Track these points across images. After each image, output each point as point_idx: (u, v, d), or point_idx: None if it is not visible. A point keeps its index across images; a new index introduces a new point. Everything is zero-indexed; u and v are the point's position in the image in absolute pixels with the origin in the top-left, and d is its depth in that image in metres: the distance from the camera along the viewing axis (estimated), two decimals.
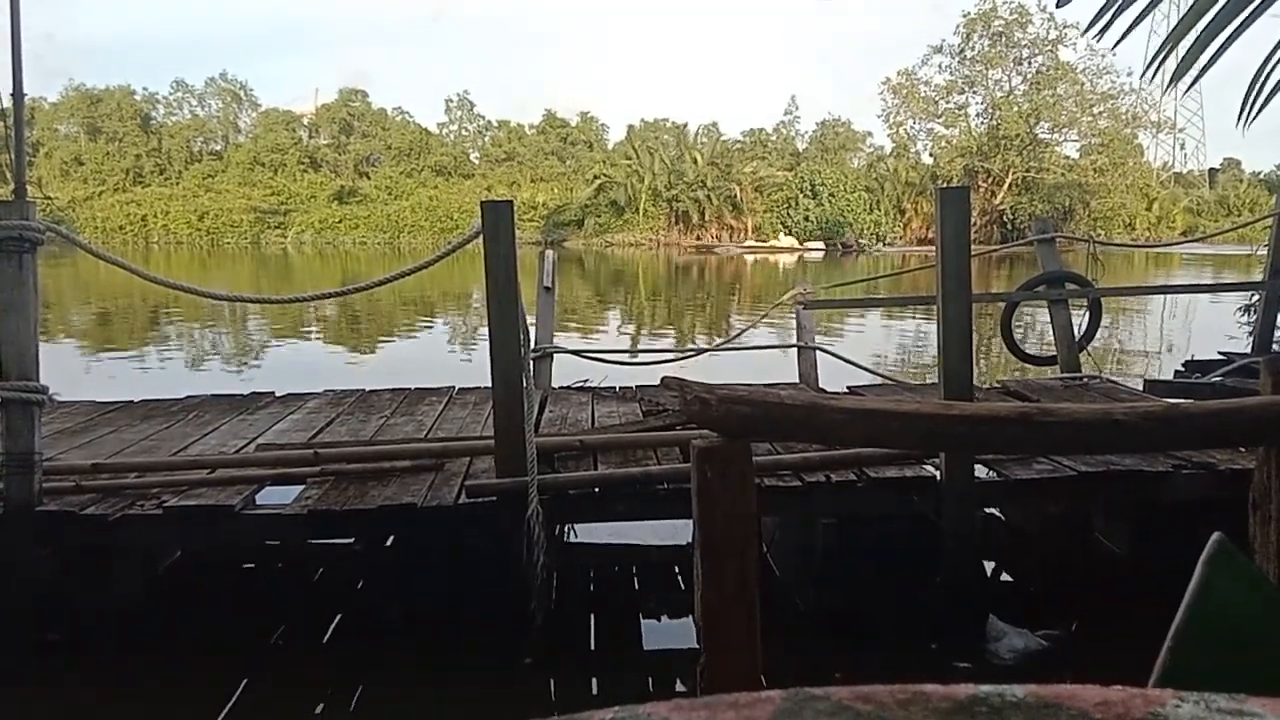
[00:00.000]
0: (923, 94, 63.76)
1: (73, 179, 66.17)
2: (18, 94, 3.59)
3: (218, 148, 72.11)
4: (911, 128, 65.65)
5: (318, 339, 15.91)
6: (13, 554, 3.64)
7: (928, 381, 6.99)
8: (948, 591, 3.97)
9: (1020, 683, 0.50)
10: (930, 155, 65.19)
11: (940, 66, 62.58)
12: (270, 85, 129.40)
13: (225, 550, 4.71)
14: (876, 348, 14.17)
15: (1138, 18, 1.84)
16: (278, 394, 5.92)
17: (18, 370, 3.58)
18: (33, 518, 3.61)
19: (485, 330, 3.94)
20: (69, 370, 11.57)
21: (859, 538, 4.00)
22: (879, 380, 6.87)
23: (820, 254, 48.59)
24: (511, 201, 3.87)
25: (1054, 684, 0.50)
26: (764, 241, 53.82)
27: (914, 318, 16.37)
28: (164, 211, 59.00)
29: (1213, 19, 1.69)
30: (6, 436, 3.63)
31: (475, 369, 4.77)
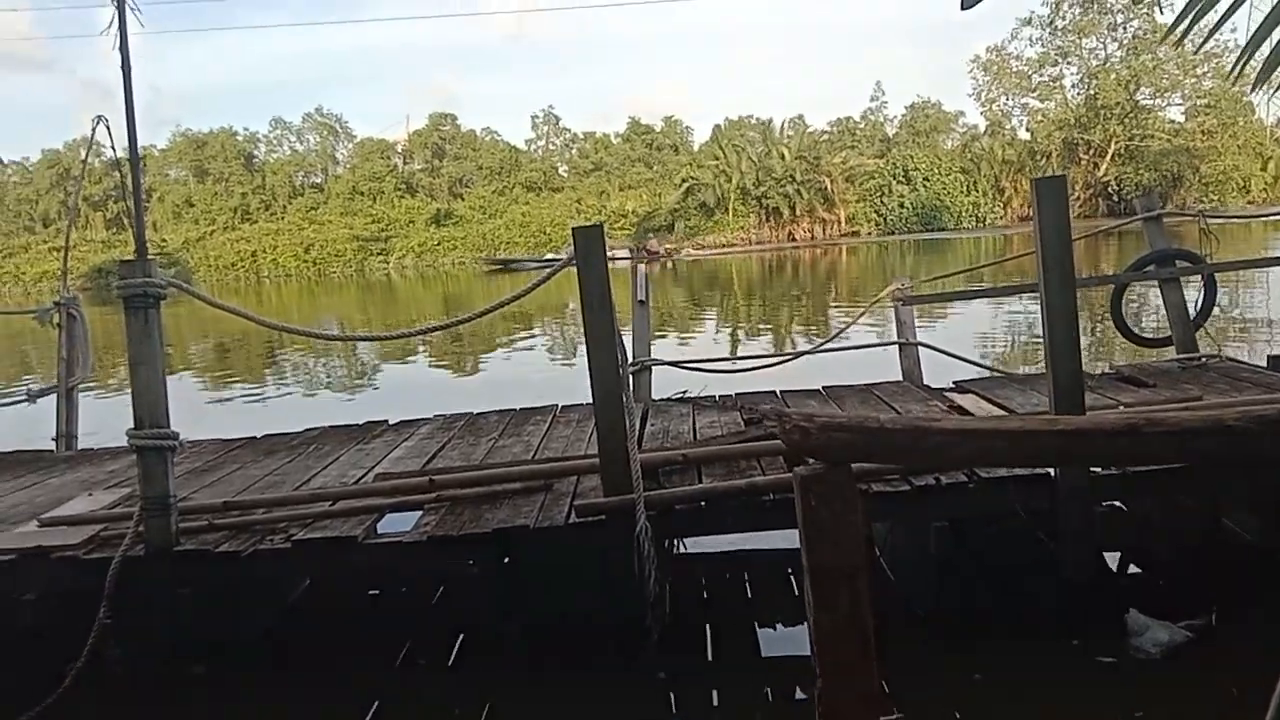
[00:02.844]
0: (1014, 69, 62.16)
1: (185, 220, 69.41)
2: (134, 160, 3.82)
3: (318, 180, 74.71)
4: (1005, 104, 64.06)
5: (424, 360, 16.32)
6: (155, 592, 3.86)
7: (1037, 369, 6.82)
8: (1072, 588, 3.87)
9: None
10: (1027, 130, 63.44)
11: (1030, 39, 60.89)
12: (363, 116, 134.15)
13: (350, 579, 4.89)
14: (982, 331, 13.86)
15: (1219, 20, 1.78)
16: (391, 422, 6.12)
17: (150, 419, 3.79)
18: (172, 558, 3.82)
19: (583, 343, 4.01)
20: (194, 405, 12.16)
21: (974, 539, 3.93)
22: (985, 373, 6.71)
23: (625, 262, 46.81)
24: (601, 226, 3.93)
25: None
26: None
27: (1020, 300, 15.94)
28: (272, 246, 61.28)
29: None
30: (143, 481, 3.84)
31: (576, 379, 4.87)
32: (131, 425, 3.82)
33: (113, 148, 4.98)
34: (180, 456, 5.06)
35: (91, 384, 12.06)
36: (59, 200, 71.64)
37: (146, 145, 66.25)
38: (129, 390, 3.85)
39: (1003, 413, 4.89)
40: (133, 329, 3.79)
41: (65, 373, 6.47)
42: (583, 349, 4.06)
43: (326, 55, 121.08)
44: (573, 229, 3.90)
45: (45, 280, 57.11)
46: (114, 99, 3.87)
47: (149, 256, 3.87)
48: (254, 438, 6.03)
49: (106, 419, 9.01)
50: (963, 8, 2.18)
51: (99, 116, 4.81)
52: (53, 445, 6.34)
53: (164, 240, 61.45)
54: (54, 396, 6.51)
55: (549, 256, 51.26)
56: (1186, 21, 1.78)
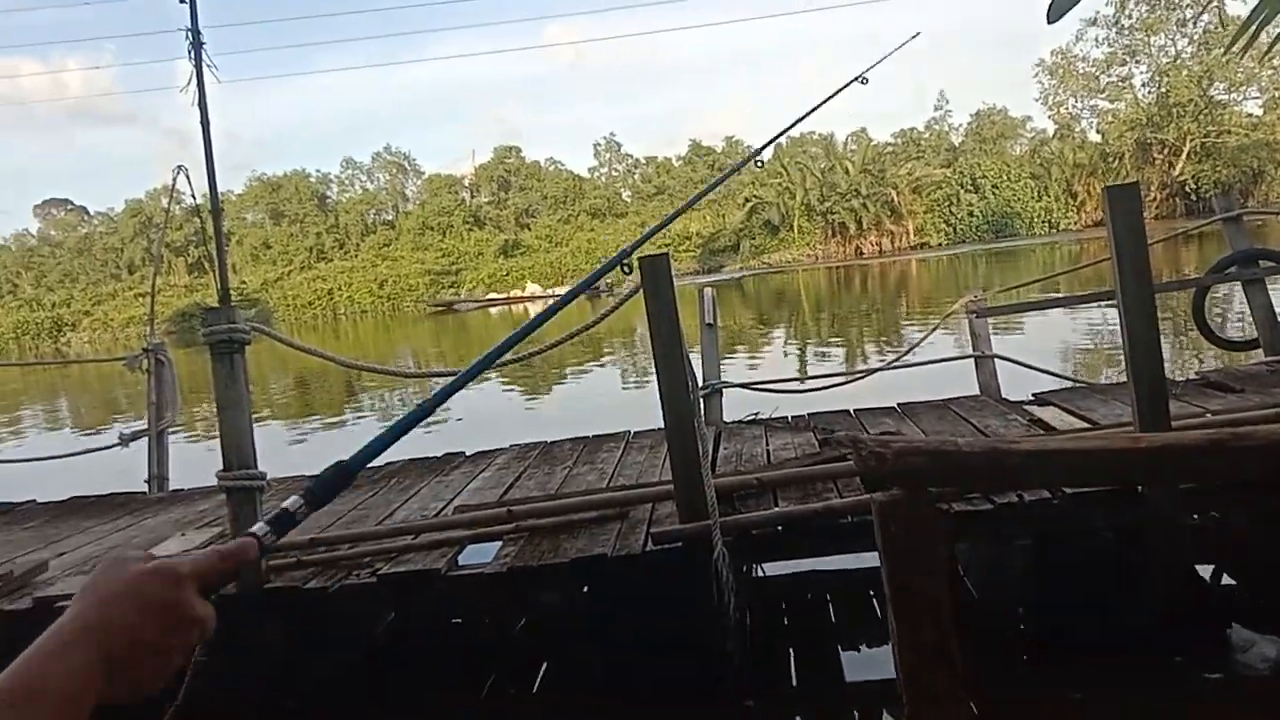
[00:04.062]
0: (1081, 71, 60.99)
1: (262, 262, 71.59)
2: (215, 211, 3.96)
3: (389, 217, 76.53)
4: (1073, 106, 62.87)
5: (497, 387, 16.52)
6: (247, 629, 3.95)
7: (1121, 377, 6.64)
8: (1166, 604, 3.75)
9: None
10: (1097, 132, 62.08)
11: (1096, 40, 59.74)
12: (430, 153, 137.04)
13: (434, 611, 4.96)
14: (1061, 340, 13.55)
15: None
16: (468, 453, 6.21)
17: (238, 460, 3.91)
18: (263, 595, 3.92)
19: (651, 364, 4.03)
20: (278, 439, 12.47)
21: (1059, 556, 3.84)
22: (1065, 384, 6.57)
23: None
24: (667, 254, 3.96)
25: None
26: (505, 293, 52.75)
27: (1099, 307, 15.54)
28: (347, 283, 62.84)
29: None
30: (233, 521, 3.95)
31: (647, 400, 4.89)
32: (220, 466, 3.95)
33: (193, 195, 5.17)
34: (267, 494, 5.20)
35: (179, 423, 12.46)
36: (143, 248, 74.54)
37: (224, 191, 67.62)
38: (209, 427, 3.98)
39: (1086, 425, 4.77)
40: (219, 374, 3.91)
41: (155, 417, 6.70)
42: (652, 372, 4.08)
43: (393, 95, 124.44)
44: (639, 258, 3.92)
45: (132, 325, 59.34)
46: (193, 145, 4.03)
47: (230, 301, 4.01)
48: None
49: (194, 457, 9.29)
50: (1049, 21, 2.17)
51: (179, 166, 5.02)
52: (145, 487, 6.56)
53: (243, 282, 63.46)
54: (145, 440, 6.75)
55: (508, 293, 51.85)
56: (1248, 34, 1.74)
